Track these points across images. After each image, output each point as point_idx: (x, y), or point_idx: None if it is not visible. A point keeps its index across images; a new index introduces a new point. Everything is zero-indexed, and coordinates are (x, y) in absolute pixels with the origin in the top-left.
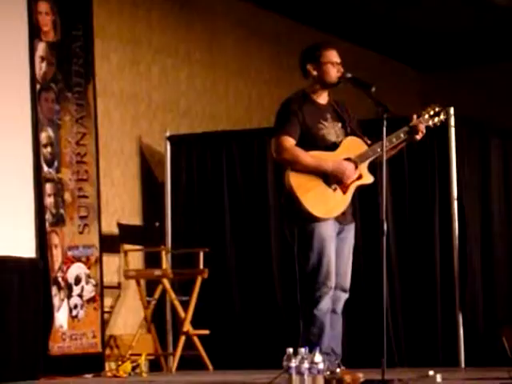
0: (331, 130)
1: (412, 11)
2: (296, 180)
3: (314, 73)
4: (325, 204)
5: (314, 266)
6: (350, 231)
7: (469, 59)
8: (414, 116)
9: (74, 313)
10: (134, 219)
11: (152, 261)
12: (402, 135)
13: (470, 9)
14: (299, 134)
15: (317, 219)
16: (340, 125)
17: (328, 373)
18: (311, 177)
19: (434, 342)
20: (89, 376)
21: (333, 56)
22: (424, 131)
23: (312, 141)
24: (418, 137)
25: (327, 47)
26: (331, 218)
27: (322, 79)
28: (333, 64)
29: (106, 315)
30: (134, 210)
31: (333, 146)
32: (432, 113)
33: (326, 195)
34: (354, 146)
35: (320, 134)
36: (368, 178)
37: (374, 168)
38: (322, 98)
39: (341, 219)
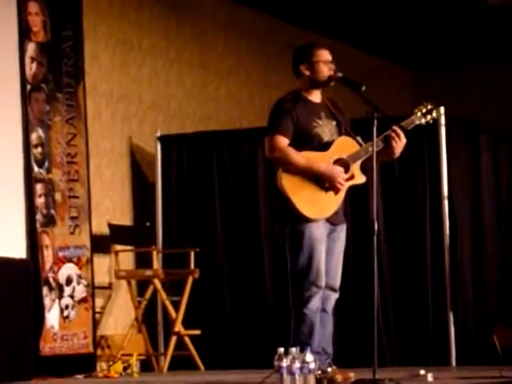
0: (325, 128)
1: (403, 10)
2: (288, 181)
3: (307, 73)
4: (317, 205)
5: (303, 267)
6: (342, 231)
7: (460, 58)
8: (414, 117)
9: (66, 313)
10: (125, 219)
11: (143, 261)
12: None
13: (461, 8)
14: (293, 132)
15: (308, 220)
16: (334, 123)
17: (319, 372)
18: (304, 177)
19: (426, 341)
20: (80, 376)
21: (324, 54)
22: (401, 137)
23: (306, 139)
24: (394, 143)
25: (318, 46)
26: (323, 218)
27: (313, 78)
28: (325, 62)
29: (97, 315)
30: (124, 210)
31: (326, 145)
32: (424, 110)
33: (318, 196)
34: (346, 145)
35: (313, 133)
36: (360, 178)
37: (364, 168)
38: (316, 97)
39: (332, 220)
